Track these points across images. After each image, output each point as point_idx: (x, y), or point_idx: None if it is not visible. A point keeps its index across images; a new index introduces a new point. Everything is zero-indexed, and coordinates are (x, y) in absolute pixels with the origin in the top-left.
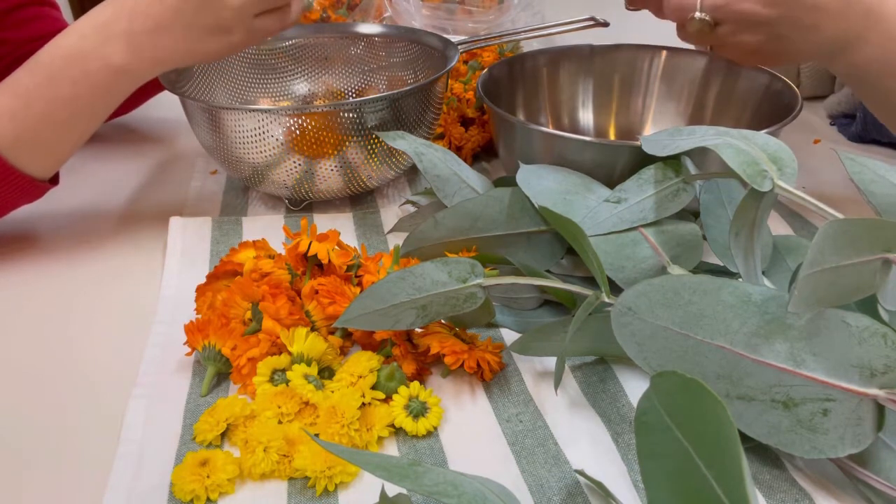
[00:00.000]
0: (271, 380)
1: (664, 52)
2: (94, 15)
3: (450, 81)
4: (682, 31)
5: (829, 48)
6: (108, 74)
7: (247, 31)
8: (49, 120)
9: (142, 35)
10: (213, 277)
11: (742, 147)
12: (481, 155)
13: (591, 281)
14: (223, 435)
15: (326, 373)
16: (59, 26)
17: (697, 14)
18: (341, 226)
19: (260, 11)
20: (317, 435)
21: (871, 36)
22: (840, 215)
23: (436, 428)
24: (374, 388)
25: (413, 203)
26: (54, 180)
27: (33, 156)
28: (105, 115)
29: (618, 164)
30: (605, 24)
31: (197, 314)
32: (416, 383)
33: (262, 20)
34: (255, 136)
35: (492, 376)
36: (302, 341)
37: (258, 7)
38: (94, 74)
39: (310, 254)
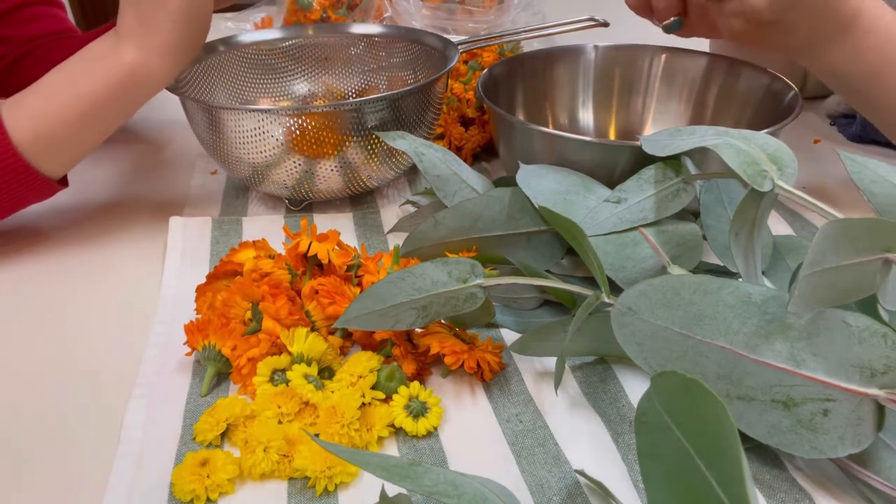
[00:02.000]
0: (271, 380)
1: (664, 52)
2: (117, 19)
3: (450, 81)
4: None
5: (809, 55)
6: (121, 71)
7: None
8: (65, 117)
9: (141, 27)
10: (213, 277)
11: (742, 147)
12: (481, 155)
13: (591, 281)
14: (223, 435)
15: (326, 373)
16: (62, 25)
17: None
18: (341, 226)
19: None
20: (317, 435)
21: (841, 45)
22: (840, 215)
23: (436, 428)
24: (374, 388)
25: (413, 203)
26: (63, 182)
27: (49, 154)
28: (121, 118)
29: (618, 164)
30: (605, 24)
31: (197, 314)
32: (416, 383)
33: None
34: (255, 136)
35: (492, 376)
36: (302, 341)
37: None
38: (108, 70)
39: (310, 254)
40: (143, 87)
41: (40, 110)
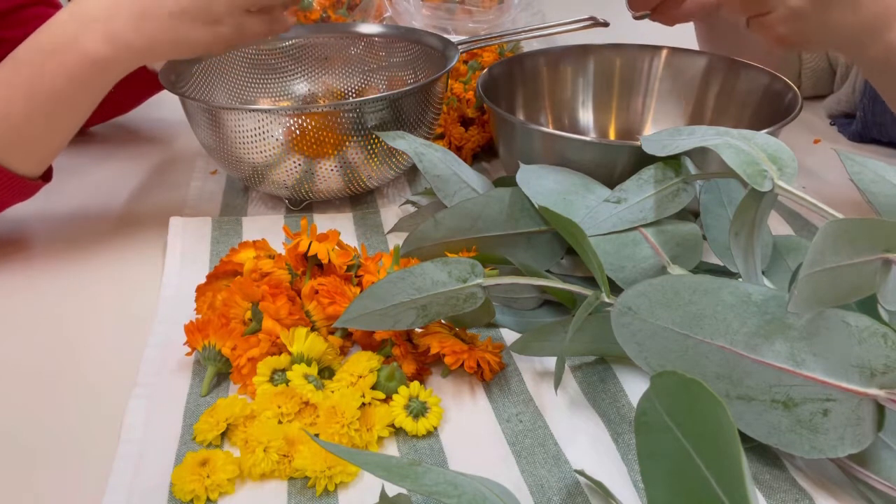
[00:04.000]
0: (271, 380)
1: (664, 52)
2: (73, 5)
3: (450, 81)
4: None
5: (869, 25)
6: (85, 66)
7: (236, 27)
8: (31, 117)
9: (124, 22)
10: (213, 277)
11: (742, 147)
12: (481, 155)
13: (591, 281)
14: (223, 435)
15: (326, 373)
16: None
17: None
18: (341, 226)
19: (250, 7)
20: (317, 435)
21: None
22: (840, 215)
23: (436, 428)
24: (374, 388)
25: (413, 203)
26: (46, 177)
27: (20, 154)
28: (89, 108)
29: (618, 164)
30: (605, 24)
31: (197, 314)
32: (416, 383)
33: (252, 18)
34: (255, 136)
35: (492, 376)
36: (302, 341)
37: (249, 2)
38: (71, 66)
39: (310, 254)
40: (113, 78)
41: (2, 113)
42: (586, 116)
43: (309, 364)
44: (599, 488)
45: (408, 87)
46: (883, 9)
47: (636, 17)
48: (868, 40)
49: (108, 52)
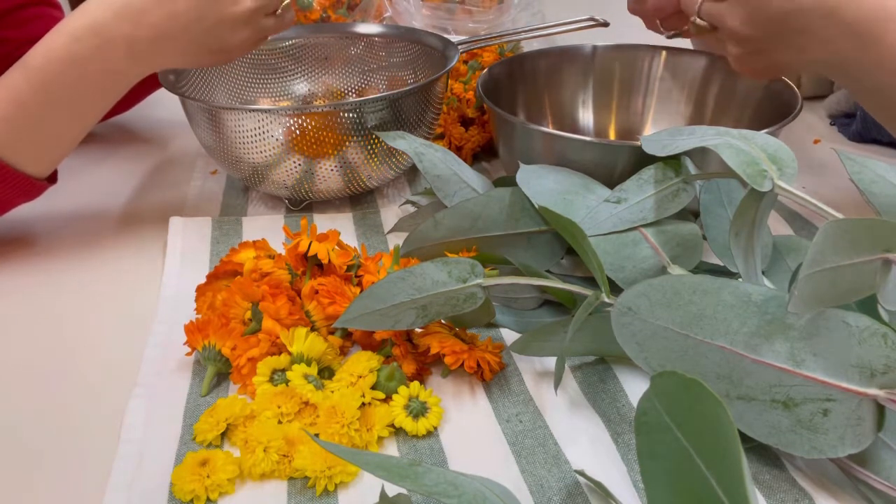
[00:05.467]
0: (271, 380)
1: (664, 52)
2: (86, 15)
3: (450, 81)
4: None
5: (821, 68)
6: (105, 78)
7: (242, 53)
8: (44, 122)
9: (145, 43)
10: (213, 277)
11: (742, 147)
12: (481, 155)
13: (591, 281)
14: (223, 435)
15: (326, 373)
16: None
17: (696, 19)
18: (341, 226)
19: (259, 38)
20: (317, 435)
21: (865, 59)
22: (840, 215)
23: (436, 428)
24: (374, 388)
25: (413, 203)
26: (52, 179)
27: (29, 155)
28: (101, 114)
29: (618, 164)
30: (605, 24)
31: (197, 314)
32: (416, 383)
33: (258, 44)
34: (255, 136)
35: (492, 376)
36: (302, 341)
37: (260, 37)
38: (90, 77)
39: (310, 254)
40: (127, 87)
41: (16, 118)
42: (586, 116)
43: (309, 364)
44: (599, 488)
45: (408, 87)
46: (830, 55)
47: (669, 37)
48: (824, 74)
49: (130, 67)
